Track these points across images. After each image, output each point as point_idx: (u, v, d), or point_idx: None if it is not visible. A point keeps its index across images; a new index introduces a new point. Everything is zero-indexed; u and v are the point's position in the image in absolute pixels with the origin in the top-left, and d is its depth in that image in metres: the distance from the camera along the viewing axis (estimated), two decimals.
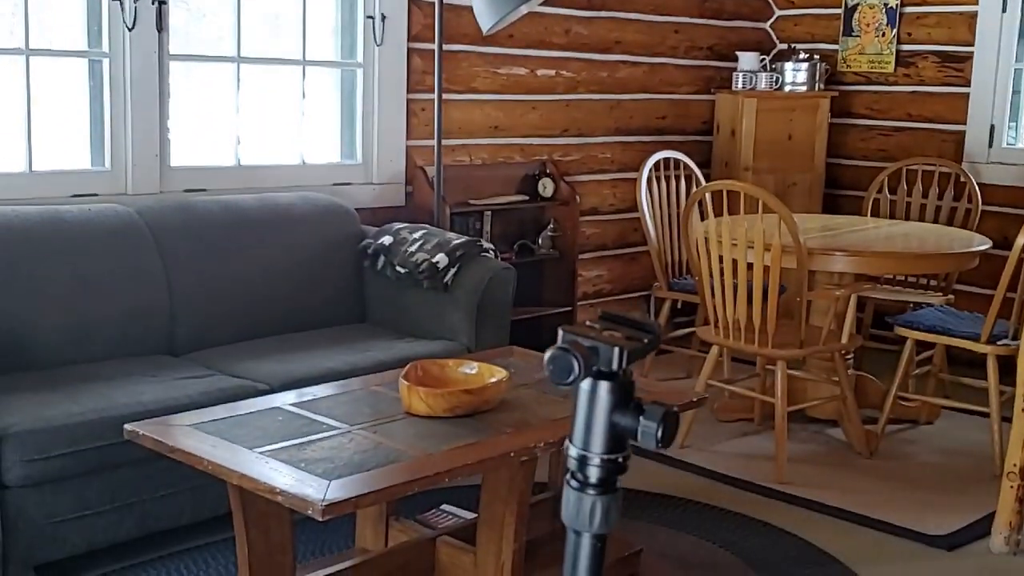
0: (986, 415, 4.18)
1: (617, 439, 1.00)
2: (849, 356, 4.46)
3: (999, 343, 4.10)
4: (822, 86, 5.86)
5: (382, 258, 4.10)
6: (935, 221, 5.23)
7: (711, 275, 4.10)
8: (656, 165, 5.22)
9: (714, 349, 4.23)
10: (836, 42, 6.01)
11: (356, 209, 4.35)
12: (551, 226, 5.11)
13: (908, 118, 5.82)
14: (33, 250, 3.44)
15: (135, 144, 3.92)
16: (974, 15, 5.51)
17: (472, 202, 4.87)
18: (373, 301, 4.21)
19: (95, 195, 3.85)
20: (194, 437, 2.53)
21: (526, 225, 5.14)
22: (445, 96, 4.73)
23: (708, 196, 4.18)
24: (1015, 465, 3.38)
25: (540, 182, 5.10)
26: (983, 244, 4.34)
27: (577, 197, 5.13)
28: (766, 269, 3.95)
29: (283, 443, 2.49)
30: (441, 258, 3.96)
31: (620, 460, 1.02)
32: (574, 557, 1.04)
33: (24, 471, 2.87)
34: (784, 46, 6.15)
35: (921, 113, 5.77)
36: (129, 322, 3.59)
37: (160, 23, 3.92)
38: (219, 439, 2.51)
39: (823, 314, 4.29)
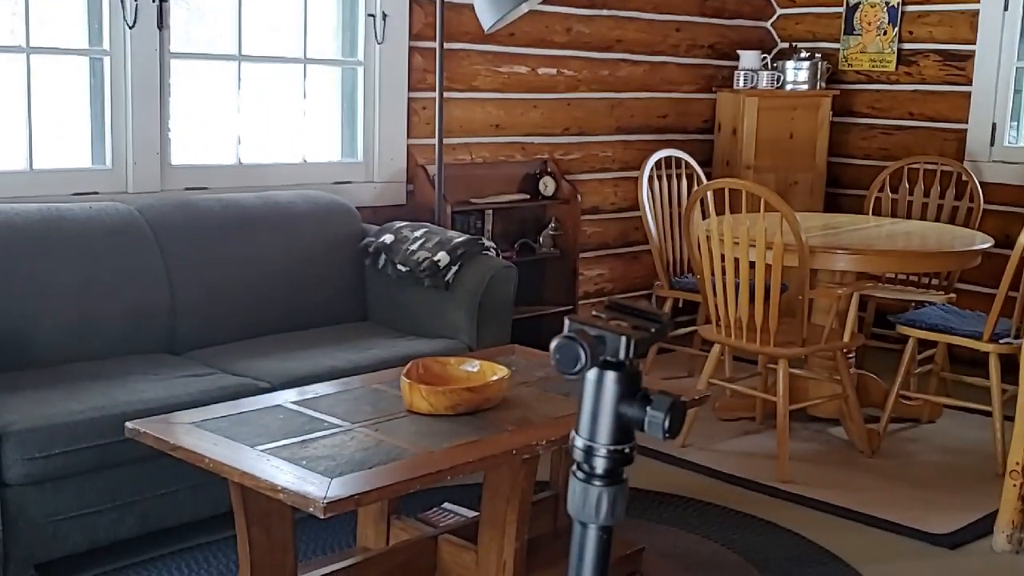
0: (988, 414, 4.18)
1: (624, 430, 0.99)
2: (851, 355, 4.45)
3: (1001, 342, 4.09)
4: (823, 85, 5.85)
5: (383, 256, 4.09)
6: (937, 220, 5.23)
7: (713, 274, 4.09)
8: (657, 164, 5.21)
9: (716, 348, 4.23)
10: (837, 41, 6.00)
11: (357, 208, 4.34)
12: (552, 225, 5.11)
13: (910, 117, 5.81)
14: (34, 248, 3.43)
15: (136, 142, 3.92)
16: (976, 13, 5.50)
17: (473, 201, 4.86)
18: (374, 299, 4.20)
19: (96, 193, 3.85)
20: (195, 435, 2.53)
21: (527, 224, 5.13)
22: (446, 94, 4.72)
23: (710, 195, 4.17)
24: (1017, 463, 3.37)
25: (541, 181, 5.09)
26: (985, 243, 4.34)
27: (578, 196, 5.12)
28: (768, 268, 3.95)
29: (284, 441, 2.49)
30: (442, 256, 3.95)
31: (627, 451, 1.01)
32: (580, 549, 1.04)
33: (25, 469, 2.86)
34: (785, 45, 6.14)
35: (923, 112, 5.76)
36: (130, 320, 3.58)
37: (161, 21, 3.91)
38: (220, 437, 2.50)
39: (825, 313, 4.29)
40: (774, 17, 6.27)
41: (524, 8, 3.69)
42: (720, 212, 4.08)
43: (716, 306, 4.12)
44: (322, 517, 2.18)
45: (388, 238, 4.13)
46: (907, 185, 5.41)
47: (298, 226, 4.08)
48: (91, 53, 3.87)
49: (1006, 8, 5.40)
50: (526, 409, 2.79)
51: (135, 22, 3.84)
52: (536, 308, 5.01)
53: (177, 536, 3.22)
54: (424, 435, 2.58)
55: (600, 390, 0.98)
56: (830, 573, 3.28)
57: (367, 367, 3.42)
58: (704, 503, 3.75)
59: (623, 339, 0.95)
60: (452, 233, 4.13)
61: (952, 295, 4.94)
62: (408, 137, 4.70)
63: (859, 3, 5.88)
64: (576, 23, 5.31)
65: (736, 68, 5.84)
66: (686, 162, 5.36)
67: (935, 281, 5.07)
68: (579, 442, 1.01)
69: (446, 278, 3.94)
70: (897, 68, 5.81)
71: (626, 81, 5.59)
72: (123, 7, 3.82)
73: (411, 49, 4.66)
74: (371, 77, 4.58)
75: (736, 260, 3.99)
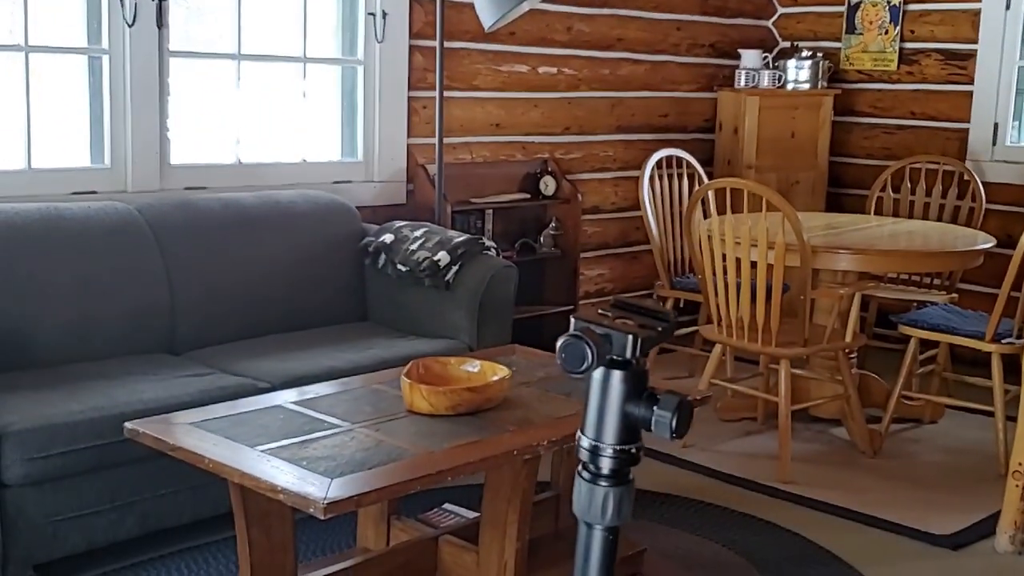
0: (990, 414, 4.16)
1: (630, 429, 0.97)
2: (853, 355, 4.44)
3: (1003, 342, 4.08)
4: (825, 84, 5.84)
5: (383, 256, 4.08)
6: (939, 219, 5.22)
7: (714, 274, 4.08)
8: (658, 163, 5.20)
9: (717, 348, 4.21)
10: (839, 40, 5.99)
11: (357, 207, 4.33)
12: (553, 224, 5.10)
13: (911, 116, 5.80)
14: (33, 248, 3.42)
15: (135, 141, 3.91)
16: (977, 12, 5.49)
17: (473, 200, 4.85)
18: (374, 299, 4.19)
19: (95, 193, 3.83)
20: (195, 435, 2.51)
21: (528, 223, 5.12)
22: (446, 94, 4.71)
23: (711, 194, 4.16)
24: (1020, 464, 3.36)
25: (542, 180, 5.08)
26: (987, 242, 4.32)
27: (579, 195, 5.11)
28: (769, 267, 3.93)
29: (284, 441, 2.48)
30: (443, 256, 3.94)
31: (633, 451, 0.99)
32: (586, 550, 1.02)
33: (24, 470, 2.85)
34: (787, 44, 6.13)
35: (924, 111, 5.75)
36: (129, 320, 3.57)
37: (160, 20, 3.90)
38: (220, 437, 2.49)
39: (827, 313, 4.28)
40: (775, 16, 6.26)
41: (525, 7, 3.68)
42: (721, 212, 4.07)
43: (717, 306, 4.11)
44: (322, 518, 2.17)
45: (388, 238, 4.11)
46: (909, 185, 5.39)
47: (298, 226, 4.06)
48: (90, 52, 3.86)
49: (1008, 7, 5.39)
50: (527, 409, 2.78)
51: (134, 21, 3.82)
52: (537, 308, 5.00)
53: (177, 537, 3.21)
54: (424, 435, 2.57)
55: (606, 389, 0.97)
56: (831, 574, 3.26)
57: (367, 367, 3.40)
58: (705, 504, 3.74)
59: (630, 338, 0.93)
60: (452, 233, 4.12)
61: (954, 295, 4.92)
62: (408, 136, 4.68)
63: (861, 2, 5.87)
64: (577, 22, 5.30)
65: (737, 67, 5.83)
66: (687, 161, 5.35)
67: (937, 281, 5.05)
68: (585, 442, 0.99)
69: (446, 278, 3.93)
70: (899, 67, 5.80)
71: (627, 80, 5.58)
72: (122, 6, 3.81)
73: (411, 48, 4.64)
74: (371, 76, 4.56)
75: (738, 260, 3.98)
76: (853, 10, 5.90)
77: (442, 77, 4.59)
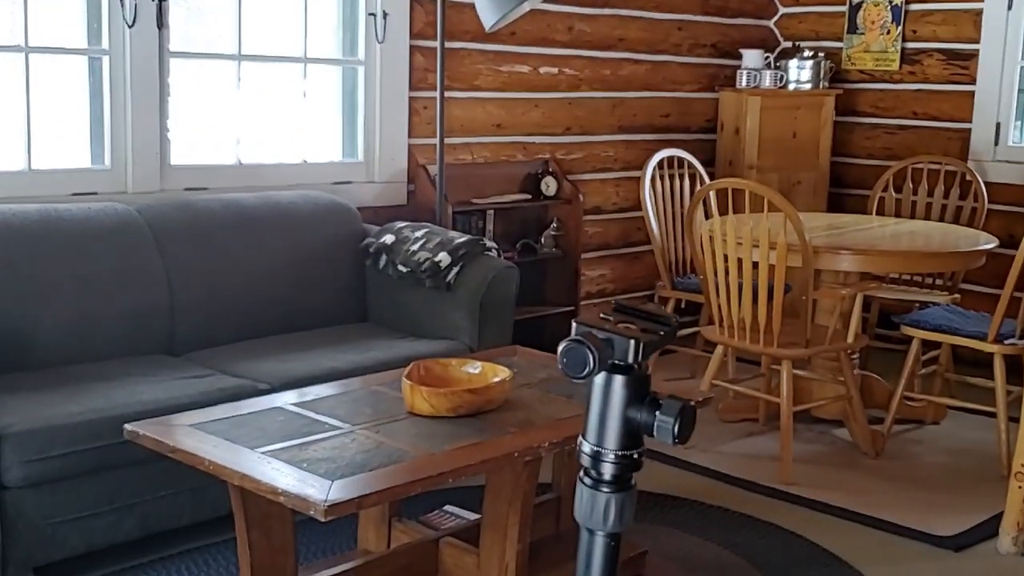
0: (993, 415, 4.15)
1: (632, 435, 0.96)
2: (855, 356, 4.42)
3: (1006, 342, 4.07)
4: (827, 84, 5.83)
5: (384, 257, 4.07)
6: (941, 220, 5.20)
7: (715, 274, 4.07)
8: (660, 163, 5.19)
9: (719, 349, 4.20)
10: (841, 40, 5.98)
11: (358, 208, 4.32)
12: (554, 225, 5.08)
13: (913, 116, 5.79)
14: (32, 249, 3.41)
15: (135, 142, 3.89)
16: (980, 12, 5.48)
17: (474, 201, 4.84)
18: (375, 300, 4.18)
19: (95, 194, 3.82)
20: (195, 437, 2.50)
21: (529, 224, 5.11)
22: (447, 94, 4.70)
23: (712, 194, 4.15)
24: (1023, 465, 3.35)
25: (543, 181, 5.07)
26: (989, 243, 4.31)
27: (580, 196, 5.10)
28: (771, 268, 3.92)
29: (285, 443, 2.46)
30: (443, 257, 3.93)
31: (635, 456, 0.98)
32: (587, 557, 1.01)
33: (23, 472, 2.84)
34: (788, 44, 6.12)
35: (926, 111, 5.74)
36: (129, 321, 3.56)
37: (160, 20, 3.89)
38: (220, 439, 2.48)
39: (828, 313, 4.26)
40: (777, 16, 6.24)
41: (525, 7, 3.66)
42: (723, 212, 4.06)
43: (719, 307, 4.10)
44: (323, 520, 2.16)
45: (389, 238, 4.10)
46: (911, 185, 5.38)
47: (298, 226, 4.05)
48: (90, 52, 3.85)
49: (1010, 7, 5.37)
50: (528, 411, 2.77)
51: (134, 21, 3.81)
52: (538, 309, 4.99)
53: (176, 539, 3.20)
54: (425, 437, 2.56)
55: (608, 394, 0.96)
56: (833, 575, 3.26)
57: (367, 368, 3.39)
58: (707, 505, 3.72)
59: (632, 342, 0.92)
60: (453, 233, 4.11)
61: (956, 295, 4.91)
62: (409, 137, 4.67)
63: (862, 2, 5.85)
64: (578, 22, 5.29)
65: (739, 67, 5.82)
66: (688, 162, 5.33)
67: (939, 281, 5.04)
68: (587, 447, 0.98)
69: (447, 279, 3.92)
70: (901, 67, 5.79)
71: (628, 80, 5.57)
72: (122, 6, 3.80)
73: (412, 48, 4.63)
74: (372, 76, 4.55)
75: (739, 260, 3.97)
76: (855, 10, 5.89)
77: (443, 77, 4.58)
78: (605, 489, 0.98)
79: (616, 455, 0.97)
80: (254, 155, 4.34)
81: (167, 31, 3.93)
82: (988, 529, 3.54)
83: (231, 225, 3.89)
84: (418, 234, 4.07)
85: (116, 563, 3.08)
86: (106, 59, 3.84)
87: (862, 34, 5.88)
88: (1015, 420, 4.06)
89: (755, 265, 3.98)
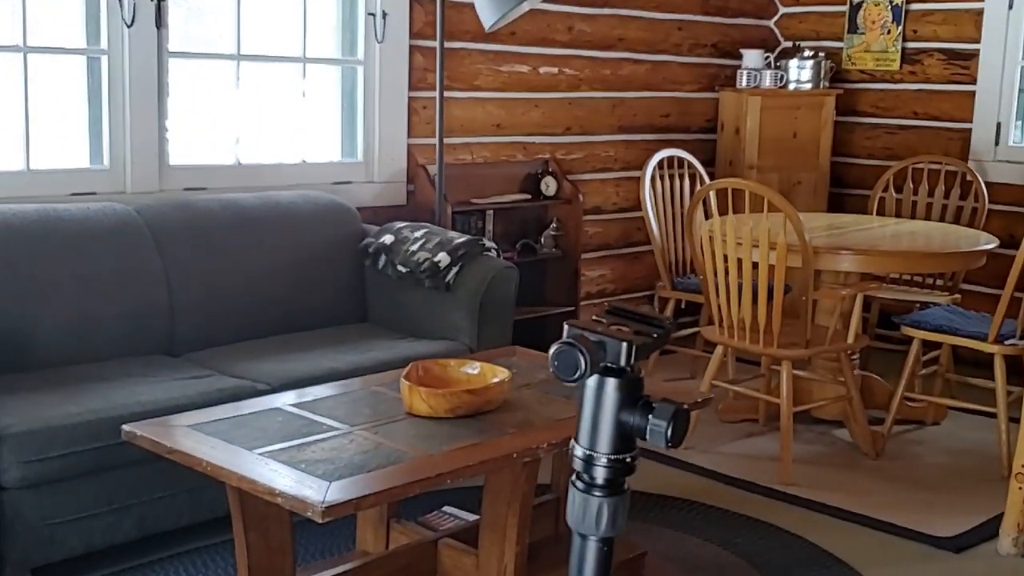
0: (993, 415, 4.14)
1: (625, 438, 0.95)
2: (855, 356, 4.42)
3: (1006, 343, 4.06)
4: (827, 84, 5.82)
5: (383, 257, 4.07)
6: (941, 220, 5.20)
7: (715, 274, 4.06)
8: (660, 163, 5.18)
9: (718, 349, 4.20)
10: (841, 39, 5.97)
11: (357, 208, 4.31)
12: (554, 225, 5.08)
13: (914, 116, 5.78)
14: (31, 249, 3.40)
15: (134, 142, 3.89)
16: (980, 12, 5.47)
17: (474, 201, 4.83)
18: (374, 300, 4.17)
19: (94, 194, 3.82)
20: (193, 438, 2.50)
21: (529, 224, 5.10)
22: (447, 94, 4.69)
23: (712, 194, 4.14)
24: (1023, 466, 3.34)
25: (543, 181, 5.07)
26: (990, 243, 4.30)
27: (580, 196, 5.09)
28: (771, 268, 3.92)
29: (283, 444, 2.46)
30: (443, 257, 3.93)
31: (628, 460, 0.97)
32: (580, 562, 1.00)
33: (21, 472, 2.83)
34: (789, 43, 6.11)
35: (927, 111, 5.73)
36: (128, 322, 3.55)
37: (159, 20, 3.88)
38: (218, 440, 2.48)
39: (829, 314, 4.26)
40: (777, 16, 6.24)
41: (525, 7, 3.66)
42: (723, 212, 4.05)
43: (719, 307, 4.09)
44: (320, 522, 2.15)
45: (388, 239, 4.10)
46: (911, 185, 5.37)
47: (298, 227, 4.05)
48: (89, 52, 3.84)
49: (1011, 7, 5.36)
50: (527, 411, 2.76)
51: (133, 21, 3.81)
52: (538, 309, 4.98)
53: (175, 540, 3.19)
54: (423, 438, 2.55)
55: (600, 397, 0.95)
56: None
57: (367, 369, 3.39)
58: (706, 506, 3.72)
59: (624, 345, 0.91)
60: (453, 234, 4.10)
61: (957, 296, 4.91)
62: (408, 137, 4.67)
63: (863, 2, 5.85)
64: (578, 22, 5.28)
65: (739, 67, 5.81)
66: (688, 162, 5.33)
67: (940, 282, 5.04)
68: (579, 451, 0.97)
69: (446, 279, 3.91)
70: (901, 67, 5.78)
71: (628, 80, 5.56)
72: (121, 6, 3.79)
73: (411, 48, 4.63)
74: (371, 76, 4.54)
75: (739, 261, 3.96)
76: (855, 10, 5.88)
77: (442, 77, 4.58)
78: (597, 493, 0.97)
79: (609, 459, 0.96)
80: (253, 155, 4.33)
81: (166, 31, 3.92)
82: (988, 530, 3.53)
83: (230, 225, 3.89)
84: (417, 234, 4.07)
85: (114, 564, 3.07)
86: (105, 59, 3.83)
87: (862, 34, 5.87)
88: (1015, 421, 4.05)
89: (755, 265, 3.98)
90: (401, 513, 3.08)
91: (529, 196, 5.05)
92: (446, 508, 3.40)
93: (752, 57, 5.78)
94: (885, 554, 3.42)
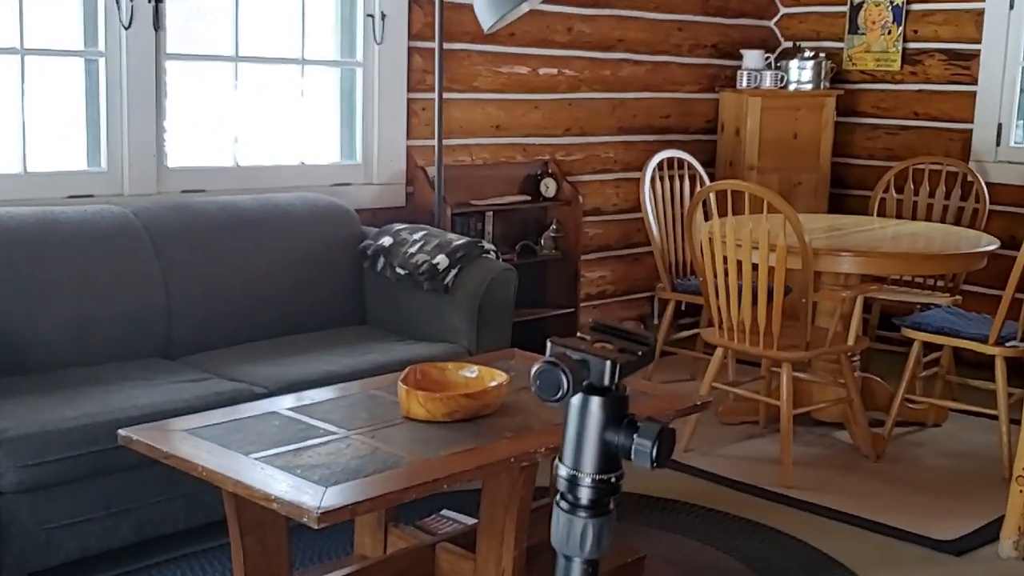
0: (994, 417, 4.13)
1: (609, 458, 0.94)
2: (855, 358, 4.40)
3: (1007, 344, 4.05)
4: (827, 84, 5.81)
5: (382, 259, 4.06)
6: (942, 221, 5.18)
7: (715, 276, 4.05)
8: (660, 165, 5.17)
9: (718, 351, 4.18)
10: (842, 40, 5.95)
11: (356, 210, 4.30)
12: (553, 226, 5.07)
13: (915, 117, 5.76)
14: (28, 252, 3.39)
15: (132, 144, 3.88)
16: (981, 12, 5.45)
17: (473, 202, 4.82)
18: (373, 303, 4.16)
19: (91, 196, 3.81)
20: (189, 443, 2.49)
21: (528, 226, 5.09)
22: (446, 95, 4.68)
23: (712, 196, 4.13)
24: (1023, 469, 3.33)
25: (542, 182, 5.05)
26: (991, 244, 4.29)
27: (580, 197, 5.08)
28: (771, 270, 3.90)
29: (279, 449, 2.45)
30: (441, 259, 3.91)
31: (613, 480, 0.96)
32: None
33: (17, 477, 2.82)
34: (789, 44, 6.09)
35: (928, 112, 5.71)
36: (125, 325, 3.54)
37: (157, 22, 3.87)
38: (214, 445, 2.47)
39: (829, 315, 4.24)
40: (777, 16, 6.22)
41: (524, 8, 3.64)
42: (723, 213, 4.04)
43: (719, 309, 4.08)
44: (315, 528, 2.14)
45: (387, 241, 4.09)
46: (912, 186, 5.36)
47: (296, 229, 4.03)
48: (86, 54, 3.84)
49: (1012, 7, 5.35)
50: (525, 415, 2.75)
51: (131, 23, 3.80)
52: (537, 311, 4.97)
53: (171, 544, 3.18)
54: (421, 442, 2.54)
55: (584, 416, 0.93)
56: None
57: (365, 372, 3.38)
58: (706, 509, 3.70)
59: (608, 363, 0.90)
60: (451, 236, 4.09)
61: (958, 297, 4.89)
62: (407, 138, 4.66)
63: (863, 2, 5.83)
64: (577, 23, 5.27)
65: (739, 68, 5.79)
66: (689, 163, 5.31)
67: (941, 283, 5.02)
68: (563, 471, 0.96)
69: (445, 281, 3.90)
70: (902, 67, 5.76)
71: (628, 81, 5.55)
72: (119, 8, 3.78)
73: (410, 49, 4.62)
74: (370, 78, 4.53)
75: (739, 262, 3.95)
76: (856, 10, 5.86)
77: (441, 78, 4.56)
78: (582, 514, 0.96)
79: (593, 479, 0.95)
80: (252, 157, 4.32)
81: (164, 33, 3.91)
82: (989, 533, 3.52)
83: (228, 227, 3.88)
84: (416, 236, 4.06)
85: (111, 568, 3.06)
86: (102, 61, 3.82)
87: (863, 34, 5.86)
88: (1016, 423, 4.04)
89: (755, 267, 3.96)
90: (399, 517, 3.07)
91: (529, 197, 5.04)
92: (444, 512, 3.39)
93: (752, 58, 5.76)
94: (885, 557, 3.41)
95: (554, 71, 5.21)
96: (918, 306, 4.82)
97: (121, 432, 2.54)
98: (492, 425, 2.66)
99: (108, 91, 3.83)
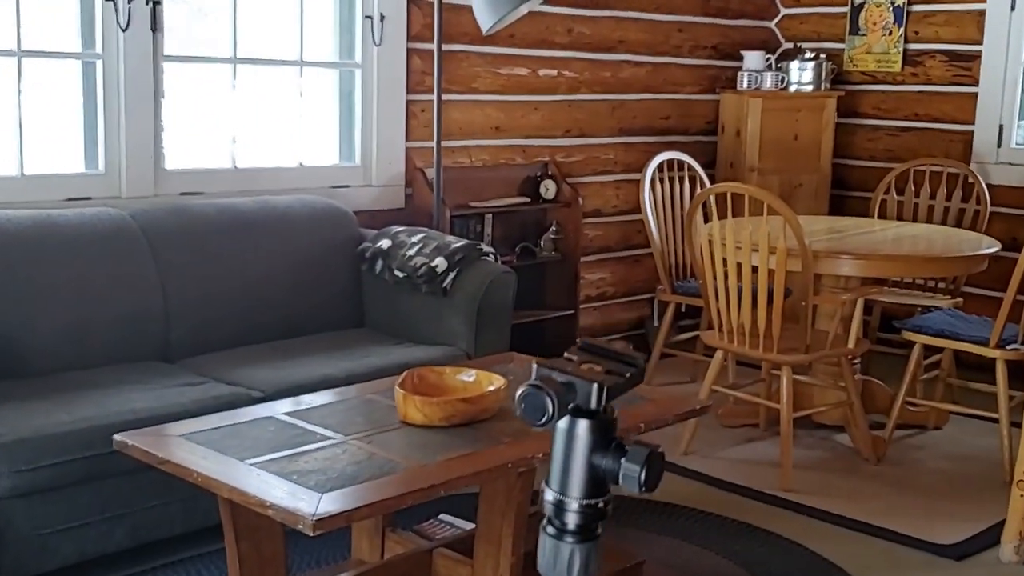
0: (995, 420, 4.12)
1: (597, 482, 0.92)
2: (856, 361, 4.39)
3: (1008, 347, 4.03)
4: (828, 86, 5.79)
5: (380, 262, 4.04)
6: (943, 223, 5.16)
7: (715, 278, 4.03)
8: (660, 166, 5.15)
9: (718, 354, 4.17)
10: (842, 41, 5.94)
11: (355, 212, 4.29)
12: (553, 228, 5.05)
13: (915, 118, 5.75)
14: (25, 255, 3.38)
15: (129, 147, 3.86)
16: (982, 13, 5.43)
17: (473, 204, 4.80)
18: (371, 306, 4.14)
19: (89, 199, 3.79)
20: (184, 448, 2.48)
21: (528, 227, 5.07)
22: (445, 97, 4.66)
23: (712, 198, 4.11)
24: None
25: (542, 184, 5.04)
26: (992, 246, 4.27)
27: (579, 199, 5.06)
28: (771, 272, 3.89)
29: (275, 454, 2.44)
30: (440, 262, 3.90)
31: (601, 505, 0.94)
32: None
33: (13, 482, 2.81)
34: (790, 45, 6.07)
35: (928, 113, 5.69)
36: (123, 328, 3.53)
37: (154, 23, 3.86)
38: (210, 450, 2.46)
39: (829, 318, 4.22)
40: (778, 17, 6.20)
41: (523, 9, 3.64)
42: (723, 215, 4.03)
43: (719, 311, 4.06)
44: (311, 535, 2.13)
45: (385, 243, 4.07)
46: (913, 187, 5.34)
47: (294, 231, 4.02)
48: (84, 56, 3.82)
49: (1013, 8, 5.33)
50: None
51: (128, 24, 3.78)
52: (537, 313, 4.95)
53: (168, 549, 3.17)
54: (417, 448, 2.53)
55: (571, 440, 0.91)
56: None
57: (362, 375, 3.36)
58: (705, 513, 3.69)
59: (595, 386, 0.88)
60: (450, 238, 4.08)
61: (959, 299, 4.87)
62: (406, 140, 4.64)
63: (864, 3, 5.81)
64: (577, 24, 5.25)
65: (740, 69, 5.78)
66: (689, 164, 5.30)
67: (941, 285, 5.00)
68: (549, 495, 0.94)
69: (444, 284, 3.89)
70: (903, 69, 5.75)
71: (628, 82, 5.53)
72: (116, 9, 3.77)
73: (409, 51, 4.60)
74: (369, 79, 4.52)
75: (739, 265, 3.94)
76: (856, 11, 5.85)
77: (440, 80, 4.55)
78: (569, 539, 0.94)
79: (580, 504, 0.93)
80: (250, 159, 4.30)
81: (161, 34, 3.89)
82: (990, 537, 3.50)
83: (226, 230, 3.86)
84: (415, 239, 4.04)
85: (107, 573, 3.05)
86: (100, 63, 3.81)
87: (864, 35, 5.84)
88: (1017, 426, 4.03)
89: (755, 269, 3.95)
90: (397, 522, 3.06)
91: (528, 199, 5.02)
92: (442, 516, 3.38)
93: (753, 59, 5.74)
94: (885, 562, 3.39)
95: (554, 72, 5.20)
96: (919, 308, 4.80)
97: (116, 437, 2.53)
98: (490, 430, 2.65)
99: (105, 93, 3.82)
